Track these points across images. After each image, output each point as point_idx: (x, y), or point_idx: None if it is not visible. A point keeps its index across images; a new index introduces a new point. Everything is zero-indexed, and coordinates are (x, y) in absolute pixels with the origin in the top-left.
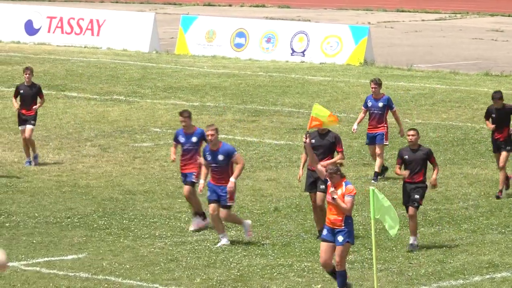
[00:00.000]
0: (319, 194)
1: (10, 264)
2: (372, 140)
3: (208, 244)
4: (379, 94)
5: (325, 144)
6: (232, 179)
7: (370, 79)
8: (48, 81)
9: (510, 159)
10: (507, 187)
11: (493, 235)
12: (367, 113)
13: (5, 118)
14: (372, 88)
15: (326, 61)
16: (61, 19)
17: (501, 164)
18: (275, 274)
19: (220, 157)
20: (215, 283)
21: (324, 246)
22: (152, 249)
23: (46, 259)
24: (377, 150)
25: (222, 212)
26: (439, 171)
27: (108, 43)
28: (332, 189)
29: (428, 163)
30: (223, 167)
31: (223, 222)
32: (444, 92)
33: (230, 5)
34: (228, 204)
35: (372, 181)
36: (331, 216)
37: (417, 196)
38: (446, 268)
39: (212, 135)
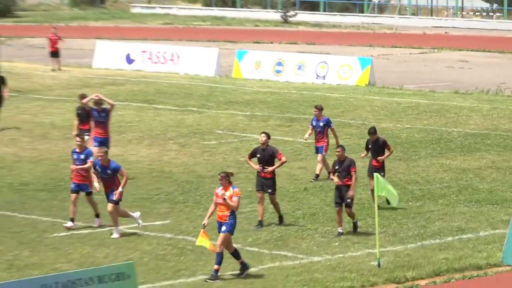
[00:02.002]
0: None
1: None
2: (316, 150)
3: (257, 214)
4: (320, 116)
5: (266, 155)
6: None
7: (372, 96)
8: (142, 97)
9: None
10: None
11: (460, 207)
12: (313, 130)
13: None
14: (314, 111)
15: (340, 83)
16: (150, 53)
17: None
18: (305, 235)
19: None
20: (262, 241)
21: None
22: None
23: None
24: (319, 158)
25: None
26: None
27: (185, 69)
28: (222, 192)
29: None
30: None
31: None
32: (425, 105)
33: (271, 42)
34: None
35: (312, 180)
36: (220, 213)
37: (348, 199)
38: (427, 231)
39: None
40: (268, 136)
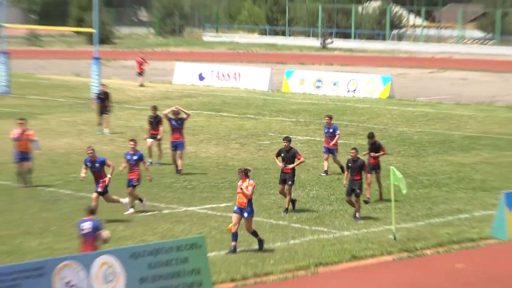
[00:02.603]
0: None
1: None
2: (327, 150)
3: (300, 198)
4: (330, 124)
5: (289, 155)
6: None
7: (391, 106)
8: (211, 107)
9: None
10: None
11: (459, 194)
12: (325, 134)
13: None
14: (326, 120)
15: (367, 96)
16: (218, 72)
17: (367, 182)
18: (337, 215)
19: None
20: (304, 219)
21: (235, 216)
22: (270, 200)
23: (210, 205)
24: (325, 156)
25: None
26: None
27: (244, 85)
28: (241, 183)
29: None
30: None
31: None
32: (433, 114)
33: (313, 64)
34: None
35: (322, 174)
36: (239, 200)
37: (358, 190)
38: (433, 212)
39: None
40: (290, 141)
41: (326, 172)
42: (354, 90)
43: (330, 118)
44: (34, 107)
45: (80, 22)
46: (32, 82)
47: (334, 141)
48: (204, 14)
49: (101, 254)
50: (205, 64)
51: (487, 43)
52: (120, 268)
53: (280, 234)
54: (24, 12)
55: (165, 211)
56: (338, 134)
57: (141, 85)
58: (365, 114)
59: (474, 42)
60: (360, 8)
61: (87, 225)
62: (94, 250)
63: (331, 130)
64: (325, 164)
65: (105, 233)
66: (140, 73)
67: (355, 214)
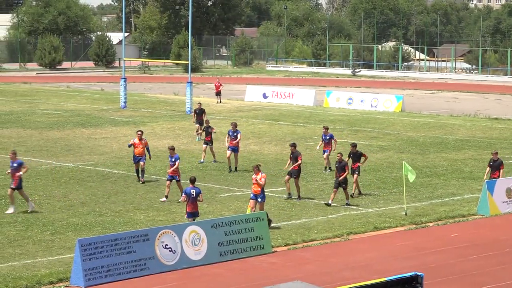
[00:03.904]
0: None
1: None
2: (324, 152)
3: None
4: (327, 133)
5: (294, 156)
6: None
7: (403, 117)
8: (272, 117)
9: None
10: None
11: (453, 181)
12: (323, 141)
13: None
14: (323, 130)
15: (385, 110)
16: (277, 92)
17: (354, 180)
18: (363, 197)
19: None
20: (339, 200)
21: (252, 201)
22: (315, 185)
23: (270, 189)
24: (325, 156)
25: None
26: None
27: (296, 102)
28: (255, 176)
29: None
30: None
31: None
32: (433, 123)
33: (345, 87)
34: None
35: (327, 171)
36: (254, 189)
37: (343, 184)
38: (434, 195)
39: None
40: (295, 146)
41: (327, 168)
42: (376, 106)
43: (326, 128)
44: (144, 117)
45: (178, 56)
46: (143, 99)
47: (334, 147)
48: (267, 51)
49: (190, 225)
50: (267, 87)
51: (472, 72)
52: (204, 235)
53: (322, 211)
54: (138, 49)
55: (237, 193)
56: (335, 140)
57: (219, 102)
58: (383, 123)
59: (463, 71)
60: (380, 46)
61: (194, 191)
62: (197, 209)
63: (327, 138)
64: (325, 162)
65: (202, 196)
66: (218, 93)
67: (348, 204)
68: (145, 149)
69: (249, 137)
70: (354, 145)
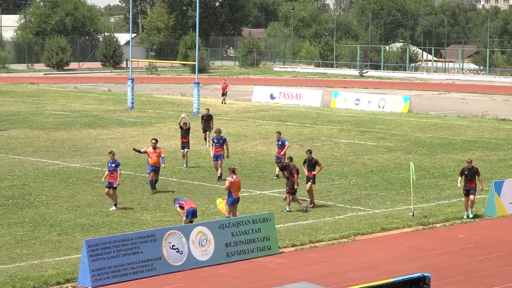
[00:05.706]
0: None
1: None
2: (277, 159)
3: (342, 185)
4: (280, 137)
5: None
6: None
7: (410, 118)
8: (279, 118)
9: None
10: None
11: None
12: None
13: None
14: (276, 135)
15: (392, 110)
16: (284, 93)
17: (307, 189)
18: (370, 197)
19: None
20: (346, 200)
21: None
22: (321, 186)
23: (277, 190)
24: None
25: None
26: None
27: (303, 103)
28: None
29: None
30: None
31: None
32: (441, 123)
33: (353, 87)
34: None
35: (273, 177)
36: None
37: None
38: (441, 196)
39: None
40: (311, 152)
41: (277, 175)
42: (383, 106)
43: (279, 133)
44: (151, 118)
45: (186, 57)
46: (150, 100)
47: (283, 151)
48: (275, 51)
49: (197, 225)
50: (275, 87)
51: (479, 73)
52: (211, 235)
53: (329, 211)
54: (145, 50)
55: (244, 194)
56: (287, 145)
57: (223, 103)
58: (391, 123)
59: (470, 72)
60: (387, 47)
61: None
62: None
63: (280, 143)
64: (277, 169)
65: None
66: (224, 94)
67: (311, 203)
68: (160, 158)
69: (256, 137)
70: (309, 152)
